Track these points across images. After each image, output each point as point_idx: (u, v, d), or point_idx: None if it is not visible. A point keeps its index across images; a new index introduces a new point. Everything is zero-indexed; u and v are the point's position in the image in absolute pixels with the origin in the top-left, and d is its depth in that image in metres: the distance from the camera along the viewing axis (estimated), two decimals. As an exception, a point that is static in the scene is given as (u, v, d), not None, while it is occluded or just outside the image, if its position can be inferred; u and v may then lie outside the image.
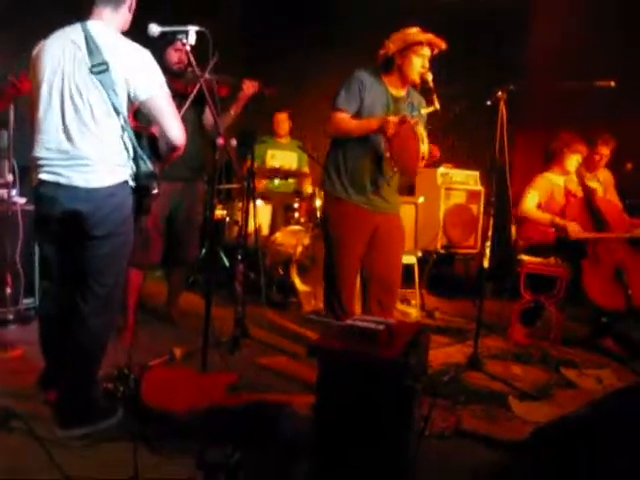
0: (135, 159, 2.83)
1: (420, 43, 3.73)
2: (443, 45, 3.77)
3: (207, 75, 3.44)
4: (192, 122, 4.25)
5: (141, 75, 2.77)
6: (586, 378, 4.05)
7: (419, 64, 3.75)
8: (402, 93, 3.91)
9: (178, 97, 4.04)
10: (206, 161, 4.46)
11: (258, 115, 6.17)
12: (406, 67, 3.78)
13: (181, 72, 4.17)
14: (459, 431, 3.14)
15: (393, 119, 3.61)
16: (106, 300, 2.90)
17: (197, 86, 3.42)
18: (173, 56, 4.16)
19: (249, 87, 4.29)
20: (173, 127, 2.82)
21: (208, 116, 4.35)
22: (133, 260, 3.98)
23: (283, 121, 6.58)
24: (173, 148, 2.86)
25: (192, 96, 3.72)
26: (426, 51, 3.76)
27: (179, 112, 3.53)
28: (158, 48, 4.09)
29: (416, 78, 3.79)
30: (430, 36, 3.75)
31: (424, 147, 3.51)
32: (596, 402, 2.83)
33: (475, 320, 4.05)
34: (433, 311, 5.68)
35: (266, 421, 3.03)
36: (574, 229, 4.78)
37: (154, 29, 3.09)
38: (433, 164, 3.76)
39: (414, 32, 3.76)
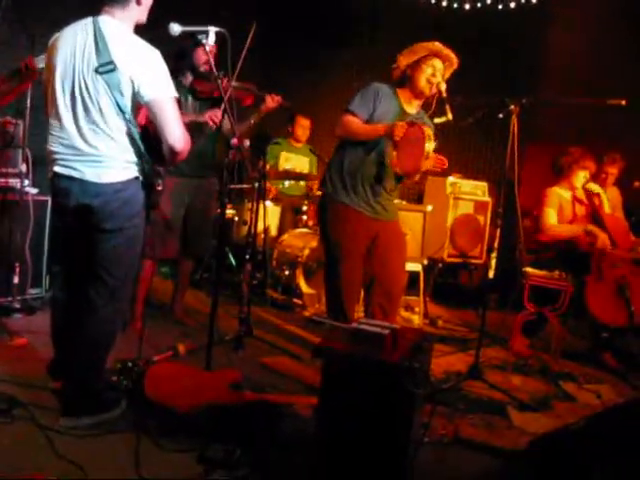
0: (140, 156, 2.85)
1: (429, 54, 3.79)
2: (453, 56, 3.83)
3: (233, 82, 3.49)
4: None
5: (147, 76, 2.76)
6: (585, 392, 4.08)
7: (429, 73, 3.80)
8: (413, 110, 3.96)
9: (200, 99, 4.10)
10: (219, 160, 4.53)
11: (273, 118, 6.23)
12: (416, 77, 3.84)
13: (207, 74, 4.22)
14: (458, 439, 3.16)
15: (401, 123, 3.65)
16: (117, 291, 2.94)
17: (226, 91, 3.44)
18: (202, 57, 4.22)
19: (271, 101, 4.42)
20: (174, 133, 2.79)
21: (227, 120, 4.42)
22: (149, 252, 4.03)
23: (306, 126, 6.58)
24: (173, 153, 2.83)
25: (226, 98, 3.73)
26: (436, 62, 3.81)
27: (200, 113, 3.57)
28: (187, 48, 4.17)
29: (425, 88, 3.84)
30: (438, 46, 3.81)
31: (429, 145, 3.55)
32: (593, 416, 2.86)
33: (477, 330, 4.07)
34: (436, 319, 5.71)
35: (268, 420, 3.06)
36: (604, 241, 4.79)
37: (175, 28, 3.12)
38: (441, 173, 3.77)
39: (424, 44, 3.83)
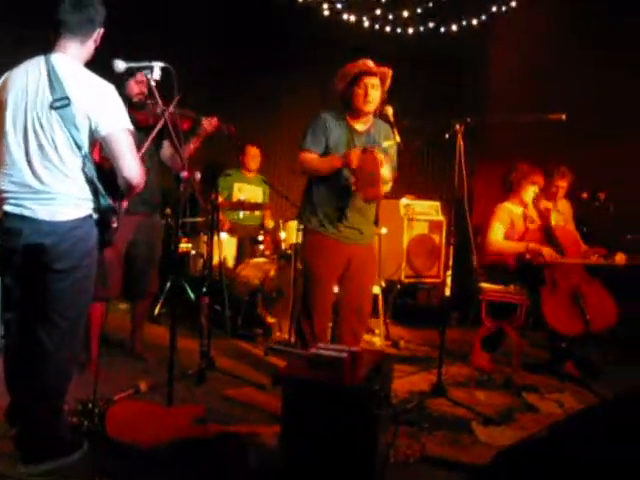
0: (95, 193, 2.82)
1: (360, 73, 3.86)
2: (384, 69, 3.90)
3: (171, 109, 3.48)
4: (149, 155, 4.28)
5: (103, 111, 2.75)
6: (547, 402, 4.13)
7: (362, 94, 3.87)
8: (364, 126, 4.02)
9: (137, 129, 4.07)
10: (164, 194, 4.51)
11: (224, 149, 6.25)
12: (354, 99, 3.91)
13: (141, 104, 4.21)
14: (424, 457, 3.17)
15: (354, 151, 3.72)
16: (69, 333, 2.87)
17: (162, 119, 3.46)
18: (134, 88, 4.20)
19: (208, 124, 4.38)
20: (130, 167, 2.79)
21: (166, 149, 4.42)
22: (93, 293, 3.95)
23: (255, 155, 6.60)
24: (129, 187, 2.83)
25: (157, 128, 3.74)
26: (369, 79, 3.87)
27: (141, 144, 3.58)
28: (118, 80, 4.14)
29: (365, 107, 3.91)
30: (367, 64, 3.89)
31: (384, 170, 3.67)
32: (555, 424, 2.89)
33: (439, 348, 4.11)
34: (398, 340, 5.73)
35: (233, 453, 3.04)
36: (550, 253, 4.86)
37: (120, 65, 3.12)
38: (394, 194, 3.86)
39: (353, 65, 3.91)
